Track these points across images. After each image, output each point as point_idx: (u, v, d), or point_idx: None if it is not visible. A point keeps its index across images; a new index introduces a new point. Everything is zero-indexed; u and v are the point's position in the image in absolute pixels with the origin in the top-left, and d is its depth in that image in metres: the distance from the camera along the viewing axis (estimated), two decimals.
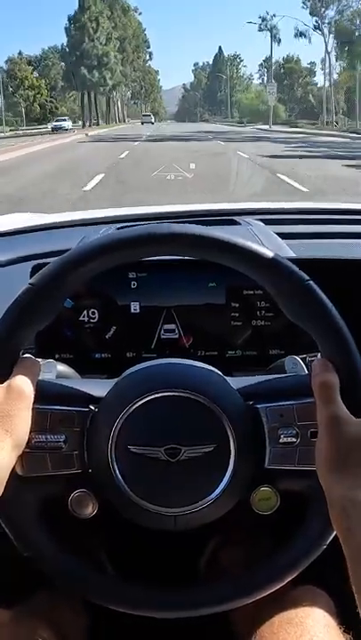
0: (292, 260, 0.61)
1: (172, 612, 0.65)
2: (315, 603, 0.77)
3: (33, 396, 0.60)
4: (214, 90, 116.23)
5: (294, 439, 0.62)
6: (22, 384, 0.59)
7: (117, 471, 0.61)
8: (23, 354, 0.63)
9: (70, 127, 46.82)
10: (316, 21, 50.73)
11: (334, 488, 0.55)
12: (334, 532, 0.61)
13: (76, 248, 0.61)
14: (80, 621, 0.84)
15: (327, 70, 52.59)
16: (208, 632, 0.81)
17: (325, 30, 50.21)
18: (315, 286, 0.60)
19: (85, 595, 0.65)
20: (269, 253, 0.60)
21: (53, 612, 0.80)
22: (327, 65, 52.32)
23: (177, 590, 0.66)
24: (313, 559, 0.64)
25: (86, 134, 34.37)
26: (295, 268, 0.60)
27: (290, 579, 0.64)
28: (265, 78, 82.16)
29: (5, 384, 0.59)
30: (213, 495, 0.61)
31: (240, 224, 1.15)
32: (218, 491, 0.61)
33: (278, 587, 0.64)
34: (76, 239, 1.06)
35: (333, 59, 51.07)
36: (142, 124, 64.97)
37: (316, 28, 51.13)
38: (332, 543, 0.61)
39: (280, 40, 64.99)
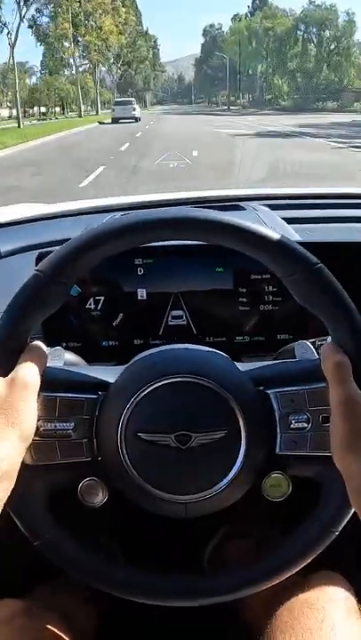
0: (301, 244, 0.61)
1: (184, 600, 0.65)
2: (335, 587, 0.77)
3: (39, 384, 0.59)
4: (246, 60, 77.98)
5: (306, 424, 0.62)
6: (28, 373, 0.59)
7: (127, 458, 0.61)
8: (31, 341, 0.62)
9: None
10: None
11: (351, 468, 0.55)
12: (348, 518, 0.61)
13: (83, 234, 0.61)
14: (90, 612, 0.84)
15: None
16: (224, 618, 0.81)
17: None
18: (325, 269, 0.60)
19: (96, 584, 0.65)
20: (278, 236, 0.60)
21: (63, 603, 0.80)
22: None
23: (188, 578, 0.65)
24: (325, 545, 0.63)
25: None
26: (305, 252, 0.60)
27: (302, 565, 0.64)
28: None
29: (11, 375, 0.58)
30: (224, 482, 0.61)
31: (246, 209, 1.14)
32: (229, 477, 0.61)
33: (290, 573, 0.64)
34: (80, 228, 1.06)
35: None
36: (113, 121, 32.04)
37: None
38: (348, 527, 0.61)
39: None
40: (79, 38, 49.49)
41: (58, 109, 52.75)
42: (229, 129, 21.94)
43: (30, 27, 49.15)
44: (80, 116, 43.53)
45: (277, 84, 68.11)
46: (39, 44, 50.72)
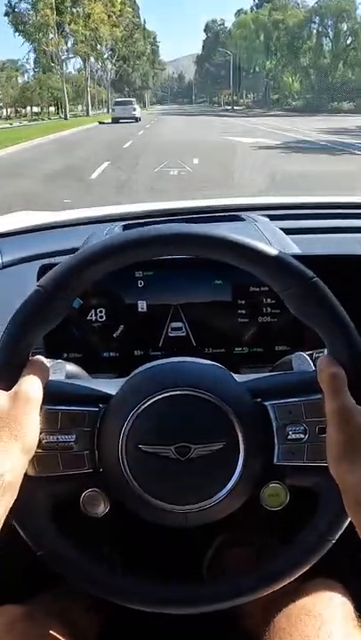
0: (298, 257, 0.62)
1: (184, 607, 0.66)
2: (332, 594, 0.78)
3: (41, 398, 0.60)
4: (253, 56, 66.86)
5: (303, 435, 0.63)
6: (31, 387, 0.60)
7: (128, 470, 0.62)
8: (32, 355, 0.63)
9: None
10: None
11: (347, 478, 0.56)
12: (344, 527, 0.62)
13: (84, 249, 0.62)
14: (92, 620, 0.85)
15: None
16: (219, 626, 0.82)
17: None
18: (321, 283, 0.61)
19: (98, 593, 0.66)
20: (274, 251, 0.61)
21: (65, 610, 0.81)
22: None
23: (188, 586, 0.67)
24: (322, 553, 0.64)
25: None
26: (301, 266, 0.61)
27: (300, 573, 0.65)
28: None
29: (14, 389, 0.59)
30: (224, 492, 0.62)
31: (245, 220, 1.15)
32: (228, 487, 0.62)
33: (287, 582, 0.65)
34: (82, 237, 1.07)
35: None
36: (114, 121, 32.18)
37: None
38: (345, 535, 0.62)
39: None
40: (66, 29, 42.69)
41: (53, 109, 48.90)
42: (243, 136, 17.29)
43: (7, 14, 42.27)
44: (66, 118, 37.60)
45: (287, 82, 58.95)
46: (17, 34, 42.87)
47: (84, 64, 49.21)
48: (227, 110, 60.24)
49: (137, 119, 32.19)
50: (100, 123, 31.47)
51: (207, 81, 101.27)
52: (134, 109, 33.02)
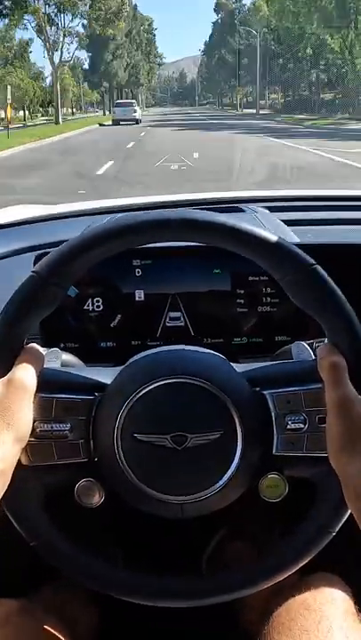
0: (298, 245, 0.61)
1: (180, 601, 0.65)
2: (332, 589, 0.77)
3: (35, 386, 0.60)
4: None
5: (302, 425, 0.62)
6: (25, 375, 0.59)
7: (123, 459, 0.61)
8: (28, 343, 0.62)
9: None
10: None
11: (347, 468, 0.55)
12: (345, 518, 0.61)
13: (80, 235, 0.61)
14: (90, 613, 0.84)
15: None
16: (219, 620, 0.81)
17: None
18: (321, 270, 0.60)
19: (92, 584, 0.65)
20: (274, 238, 0.60)
21: (64, 604, 0.80)
22: None
23: (185, 579, 0.66)
24: (322, 546, 0.63)
25: None
26: (300, 252, 0.60)
27: (299, 566, 0.64)
28: None
29: (7, 376, 0.59)
30: (221, 482, 0.61)
31: (244, 211, 1.14)
32: (225, 478, 0.61)
33: (287, 574, 0.64)
34: (80, 229, 1.06)
35: None
36: (114, 122, 31.91)
37: None
38: (346, 529, 0.61)
39: None
40: None
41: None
42: None
43: None
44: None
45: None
46: None
47: (43, 29, 34.66)
48: (248, 116, 42.18)
49: (137, 121, 32.13)
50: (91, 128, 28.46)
51: (216, 76, 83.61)
52: (135, 111, 33.21)
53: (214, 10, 77.79)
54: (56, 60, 35.65)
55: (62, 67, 38.84)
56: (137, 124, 31.18)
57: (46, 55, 35.07)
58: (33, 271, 0.60)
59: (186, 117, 41.32)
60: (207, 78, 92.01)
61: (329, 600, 0.75)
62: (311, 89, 47.67)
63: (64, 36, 36.57)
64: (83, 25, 40.06)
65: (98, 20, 38.16)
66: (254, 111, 50.04)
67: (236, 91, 67.63)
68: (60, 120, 33.45)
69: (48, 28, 35.06)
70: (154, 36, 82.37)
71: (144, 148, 15.67)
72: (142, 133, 22.19)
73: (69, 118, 43.18)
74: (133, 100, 39.80)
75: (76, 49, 41.10)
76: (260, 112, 47.72)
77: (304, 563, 0.64)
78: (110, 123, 32.64)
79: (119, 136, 20.96)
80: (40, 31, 34.78)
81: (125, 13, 45.46)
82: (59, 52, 35.67)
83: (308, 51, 43.28)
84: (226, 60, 73.86)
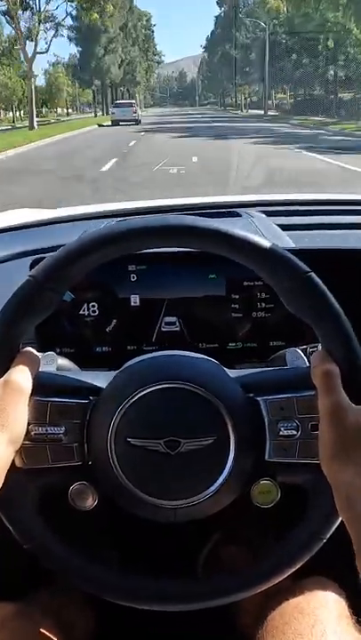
0: (293, 251, 0.61)
1: (174, 604, 0.65)
2: (326, 593, 0.78)
3: (31, 389, 0.60)
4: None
5: (295, 432, 0.62)
6: (20, 378, 0.59)
7: (117, 463, 0.61)
8: (24, 347, 0.63)
9: None
10: None
11: (339, 476, 0.56)
12: (336, 524, 0.62)
13: (76, 240, 0.61)
14: (87, 617, 0.85)
15: None
16: (215, 624, 0.81)
17: None
18: (315, 278, 0.60)
19: (87, 587, 0.65)
20: (269, 244, 0.60)
21: (61, 608, 0.80)
22: None
23: (178, 583, 0.66)
24: (314, 552, 0.64)
25: None
26: (295, 260, 0.60)
27: (292, 571, 0.64)
28: None
29: (3, 379, 0.59)
30: (213, 488, 0.62)
31: (241, 215, 1.15)
32: (218, 483, 0.62)
33: (281, 578, 0.64)
34: (76, 234, 1.06)
35: None
36: (113, 123, 31.15)
37: None
38: (340, 533, 0.60)
39: None
40: None
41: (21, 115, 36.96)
42: None
43: None
44: None
45: None
46: None
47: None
48: (255, 118, 37.62)
49: (137, 122, 31.47)
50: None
51: (218, 75, 75.28)
52: (134, 112, 32.58)
53: (217, 3, 69.84)
54: (30, 50, 29.70)
55: (57, 65, 36.33)
56: (137, 124, 30.39)
57: (19, 46, 30.43)
58: (29, 275, 0.60)
59: (187, 119, 36.18)
60: (208, 77, 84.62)
61: (323, 604, 0.76)
62: (327, 87, 40.28)
63: (39, 21, 31.04)
64: (71, 16, 36.08)
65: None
66: (260, 112, 45.22)
67: (239, 89, 61.72)
68: (36, 124, 27.87)
69: (20, 11, 29.63)
70: (152, 32, 77.26)
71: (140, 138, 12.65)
72: (132, 143, 17.27)
73: (63, 119, 39.88)
74: (133, 101, 38.69)
75: (54, 36, 34.76)
76: (270, 114, 42.43)
77: (296, 568, 0.64)
78: (97, 126, 30.55)
79: (103, 144, 17.41)
80: (9, 15, 29.18)
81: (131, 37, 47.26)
82: (35, 42, 29.84)
83: (330, 43, 36.38)
84: (229, 56, 64.53)
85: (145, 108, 76.37)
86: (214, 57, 74.78)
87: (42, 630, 0.72)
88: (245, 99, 61.79)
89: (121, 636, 0.91)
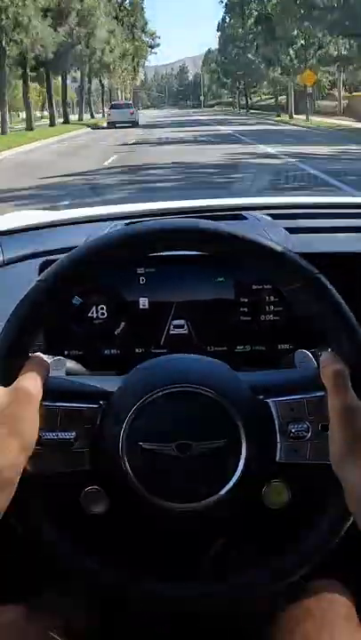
0: (301, 254, 0.61)
1: (185, 606, 0.66)
2: (334, 595, 0.78)
3: (41, 395, 0.60)
4: None
5: (305, 433, 0.63)
6: (30, 384, 0.59)
7: (128, 467, 0.61)
8: (32, 352, 0.63)
9: None
10: None
11: (350, 476, 0.56)
12: (346, 526, 0.62)
13: (85, 244, 0.61)
14: (91, 619, 0.85)
15: None
16: (224, 624, 0.81)
17: None
18: (324, 280, 0.61)
19: (98, 591, 0.66)
20: (278, 247, 0.61)
21: (64, 609, 0.80)
22: None
23: (190, 585, 0.66)
24: (324, 554, 0.64)
25: None
26: (304, 262, 0.61)
27: (302, 572, 0.65)
28: None
29: (13, 385, 0.59)
30: (225, 490, 0.62)
31: (247, 218, 1.15)
32: (229, 485, 0.62)
33: (290, 580, 0.65)
34: (83, 236, 1.06)
35: None
36: (110, 125, 29.88)
37: None
38: (350, 535, 0.61)
39: None
40: None
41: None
42: None
43: None
44: None
45: None
46: None
47: None
48: (279, 122, 28.45)
49: (134, 123, 30.48)
50: None
51: (232, 69, 52.80)
52: (132, 113, 31.70)
53: None
54: None
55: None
56: (133, 127, 29.31)
57: None
58: (38, 280, 0.60)
59: (199, 134, 21.39)
60: (223, 68, 58.64)
61: (331, 606, 0.76)
62: None
63: None
64: None
65: None
66: (318, 119, 27.98)
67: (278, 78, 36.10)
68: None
69: None
70: (143, 17, 57.05)
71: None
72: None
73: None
74: (130, 102, 37.76)
75: None
76: (336, 117, 27.43)
77: (306, 570, 0.65)
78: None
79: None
80: None
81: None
82: None
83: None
84: (239, 52, 45.78)
85: (138, 110, 51.09)
86: (227, 45, 53.47)
87: (47, 632, 0.72)
88: (292, 94, 34.68)
89: (126, 637, 0.91)
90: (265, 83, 45.85)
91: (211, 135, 21.08)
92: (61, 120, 34.67)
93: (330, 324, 0.61)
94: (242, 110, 54.64)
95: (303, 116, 29.48)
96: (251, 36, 43.72)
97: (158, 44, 66.44)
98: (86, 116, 43.56)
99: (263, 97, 55.53)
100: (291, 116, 33.48)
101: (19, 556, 0.73)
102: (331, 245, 1.05)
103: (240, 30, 48.23)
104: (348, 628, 0.73)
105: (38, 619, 0.74)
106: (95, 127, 30.68)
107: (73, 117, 38.21)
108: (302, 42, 31.25)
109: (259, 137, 18.88)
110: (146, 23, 59.00)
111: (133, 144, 18.39)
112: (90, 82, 42.11)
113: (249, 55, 44.83)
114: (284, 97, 37.81)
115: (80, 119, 38.46)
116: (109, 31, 37.97)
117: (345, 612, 0.75)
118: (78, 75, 39.31)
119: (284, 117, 34.19)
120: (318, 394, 0.62)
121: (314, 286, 0.60)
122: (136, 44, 54.95)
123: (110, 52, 39.58)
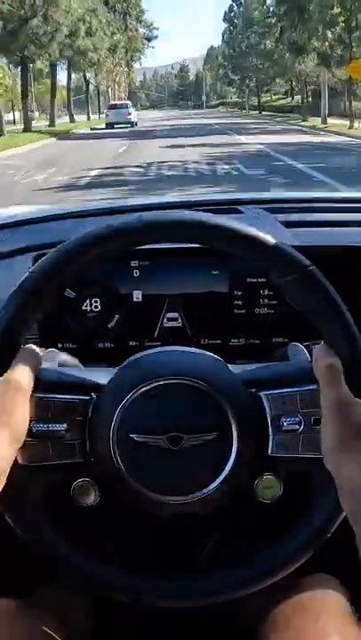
0: (296, 248, 0.61)
1: (178, 601, 0.66)
2: (328, 590, 0.78)
3: (32, 386, 0.60)
4: None
5: (297, 426, 0.62)
6: (21, 376, 0.59)
7: (119, 460, 0.61)
8: (26, 344, 0.62)
9: None
10: None
11: (342, 470, 0.55)
12: (339, 520, 0.62)
13: (77, 236, 0.61)
14: (88, 614, 0.84)
15: None
16: (216, 622, 0.81)
17: None
18: (318, 272, 0.60)
19: (88, 584, 0.66)
20: (272, 240, 0.60)
21: (58, 604, 0.80)
22: None
23: (181, 580, 0.66)
24: (317, 547, 0.64)
25: None
26: (298, 254, 0.61)
27: (294, 567, 0.64)
28: None
29: (4, 376, 0.59)
30: (216, 483, 0.62)
31: (244, 213, 1.15)
32: (221, 478, 0.62)
33: (283, 575, 0.65)
34: (77, 231, 1.06)
35: None
36: (108, 126, 29.71)
37: None
38: (343, 529, 0.61)
39: None
40: None
41: None
42: None
43: None
44: None
45: None
46: None
47: None
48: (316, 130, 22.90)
49: (133, 124, 30.53)
50: None
51: (243, 62, 46.85)
52: (129, 113, 31.18)
53: None
54: None
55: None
56: (132, 127, 29.35)
57: None
58: (30, 271, 0.60)
59: (214, 153, 14.19)
60: (232, 62, 51.79)
61: (325, 601, 0.76)
62: None
63: None
64: None
65: None
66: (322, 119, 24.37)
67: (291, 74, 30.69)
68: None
69: None
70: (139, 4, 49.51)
71: None
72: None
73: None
74: (128, 102, 36.17)
75: None
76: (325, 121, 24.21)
77: (299, 564, 0.64)
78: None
79: None
80: None
81: None
82: None
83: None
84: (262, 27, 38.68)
85: (136, 111, 43.45)
86: (234, 40, 49.03)
87: (43, 627, 0.72)
88: (307, 93, 29.13)
89: (121, 634, 0.91)
90: (277, 80, 39.77)
91: (237, 156, 12.95)
92: (47, 123, 31.28)
93: (323, 317, 0.60)
94: (252, 112, 48.67)
95: (337, 121, 23.68)
96: (269, 19, 35.86)
97: (156, 36, 56.49)
98: (84, 117, 41.72)
99: (274, 97, 49.32)
100: (324, 121, 25.54)
101: (11, 550, 0.72)
102: (327, 239, 1.05)
103: (256, 13, 40.77)
104: (343, 624, 0.73)
105: (31, 613, 0.74)
106: (64, 136, 25.43)
107: (63, 120, 35.74)
108: (342, 22, 22.50)
109: (316, 158, 11.40)
110: (141, 11, 50.67)
111: (85, 187, 9.87)
112: (69, 76, 36.85)
113: (266, 43, 37.45)
114: (299, 96, 30.94)
115: (72, 121, 36.02)
116: (95, 17, 30.93)
117: (339, 607, 0.76)
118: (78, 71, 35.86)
119: (313, 122, 26.81)
120: (311, 387, 0.61)
121: (307, 279, 0.60)
122: (130, 34, 47.40)
123: (89, 35, 30.49)
